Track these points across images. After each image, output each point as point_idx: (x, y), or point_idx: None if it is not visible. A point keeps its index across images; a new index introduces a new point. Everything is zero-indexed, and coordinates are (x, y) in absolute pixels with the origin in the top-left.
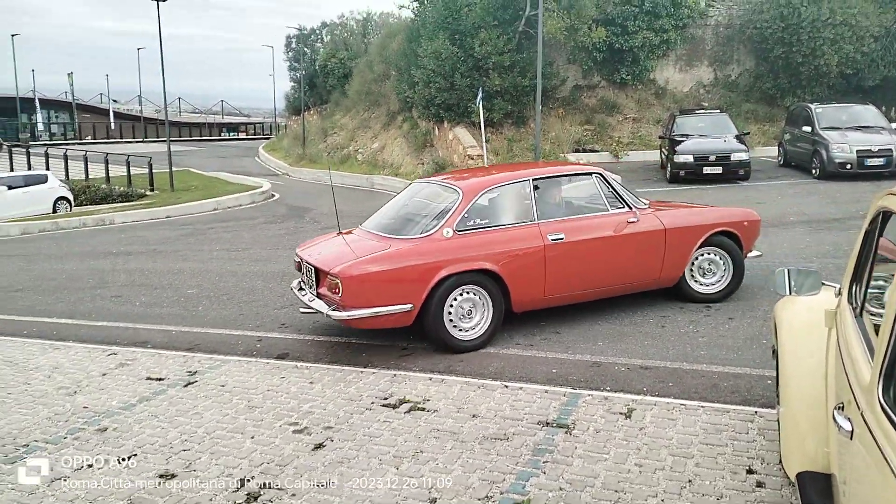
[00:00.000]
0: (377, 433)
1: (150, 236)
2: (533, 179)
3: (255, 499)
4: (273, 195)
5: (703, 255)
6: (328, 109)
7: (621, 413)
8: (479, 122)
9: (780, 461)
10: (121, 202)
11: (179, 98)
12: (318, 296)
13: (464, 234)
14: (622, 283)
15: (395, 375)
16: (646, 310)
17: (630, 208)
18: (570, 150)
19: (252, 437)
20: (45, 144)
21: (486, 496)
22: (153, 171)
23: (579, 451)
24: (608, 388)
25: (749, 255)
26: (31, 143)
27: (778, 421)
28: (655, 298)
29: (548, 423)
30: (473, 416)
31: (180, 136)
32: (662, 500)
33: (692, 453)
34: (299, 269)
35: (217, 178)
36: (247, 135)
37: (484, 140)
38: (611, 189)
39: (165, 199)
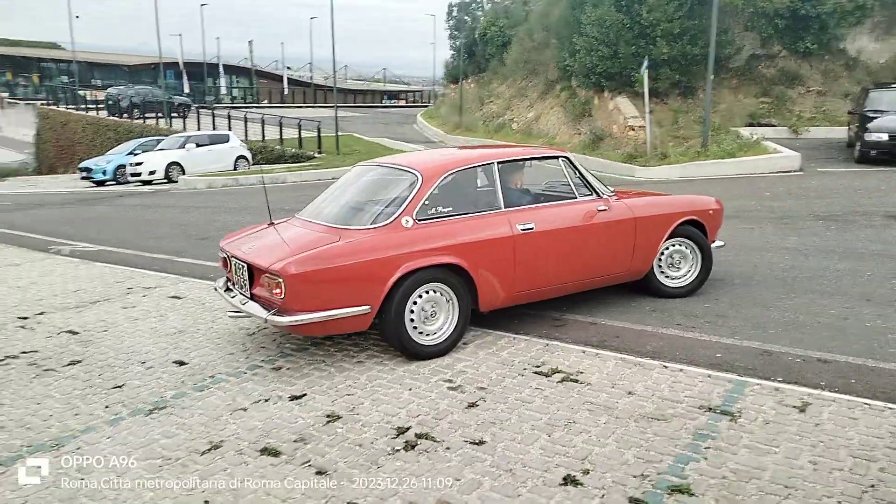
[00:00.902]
0: (529, 399)
1: (317, 195)
2: (498, 162)
3: (413, 447)
4: None
5: (671, 246)
6: (485, 78)
7: (794, 406)
8: (643, 92)
9: None
10: (292, 162)
11: (346, 66)
12: (253, 297)
13: (425, 223)
14: (592, 276)
15: (547, 345)
16: (826, 300)
17: (599, 195)
18: (743, 123)
19: (410, 389)
20: (227, 107)
21: (642, 474)
22: (321, 134)
23: (745, 441)
24: (779, 379)
25: (713, 244)
26: (215, 105)
27: None
28: (836, 288)
29: (710, 409)
30: (629, 393)
31: (345, 103)
32: (839, 503)
33: (876, 457)
34: (225, 265)
35: (378, 143)
36: (406, 102)
37: (647, 111)
38: (578, 175)
39: (331, 161)
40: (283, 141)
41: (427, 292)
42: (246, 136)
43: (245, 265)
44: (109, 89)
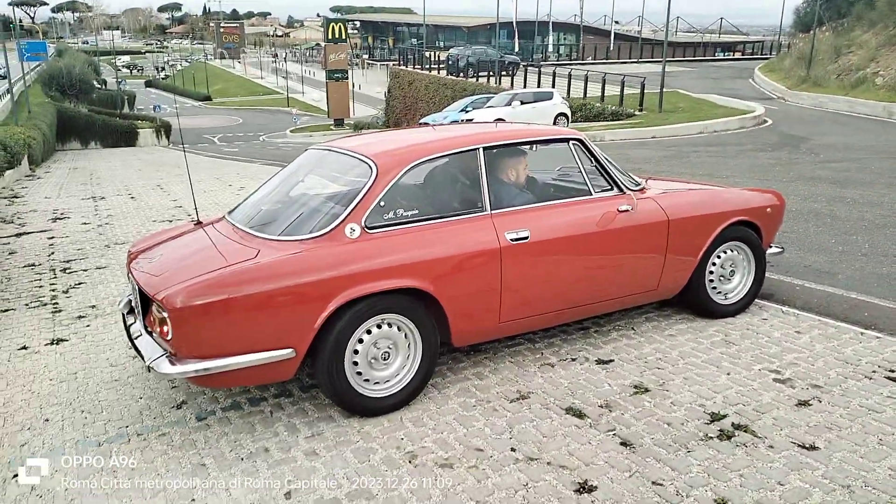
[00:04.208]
0: (878, 408)
1: (634, 155)
2: (484, 148)
3: (729, 437)
4: (765, 121)
5: (724, 252)
6: (846, 25)
7: None
8: None
9: None
10: (612, 120)
11: (678, 17)
12: (148, 329)
13: (378, 232)
14: (608, 297)
15: None
16: None
17: (621, 190)
18: None
19: (728, 374)
20: (553, 64)
21: None
22: (644, 91)
23: None
24: None
25: (769, 251)
26: (541, 63)
27: None
28: None
29: None
30: None
31: (674, 57)
32: None
33: None
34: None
35: (705, 100)
36: (742, 55)
37: None
38: (594, 163)
39: (652, 119)
40: (604, 98)
41: (378, 326)
42: (568, 93)
43: (137, 287)
44: (451, 50)
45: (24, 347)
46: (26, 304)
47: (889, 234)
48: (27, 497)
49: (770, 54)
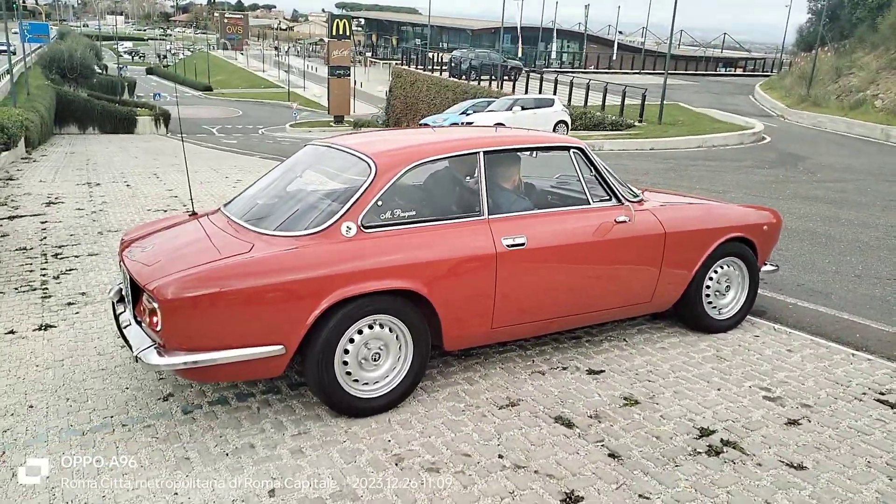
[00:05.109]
0: (866, 430)
1: (632, 166)
2: (484, 152)
3: (717, 454)
4: (764, 138)
5: (720, 267)
6: (848, 46)
7: None
8: None
9: None
10: (611, 130)
11: (681, 31)
12: (137, 319)
13: (373, 232)
14: (601, 307)
15: None
16: None
17: (620, 201)
18: None
19: (718, 390)
20: (555, 71)
21: None
22: (645, 102)
23: None
24: None
25: (763, 268)
26: (544, 69)
27: None
28: None
29: None
30: None
31: (676, 70)
32: None
33: None
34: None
35: (705, 114)
36: (743, 71)
37: None
38: (594, 173)
39: (652, 131)
40: (604, 107)
41: (370, 326)
42: (569, 100)
43: (128, 275)
44: (454, 52)
45: (12, 332)
46: (16, 289)
47: (883, 256)
48: (7, 483)
49: (771, 72)
